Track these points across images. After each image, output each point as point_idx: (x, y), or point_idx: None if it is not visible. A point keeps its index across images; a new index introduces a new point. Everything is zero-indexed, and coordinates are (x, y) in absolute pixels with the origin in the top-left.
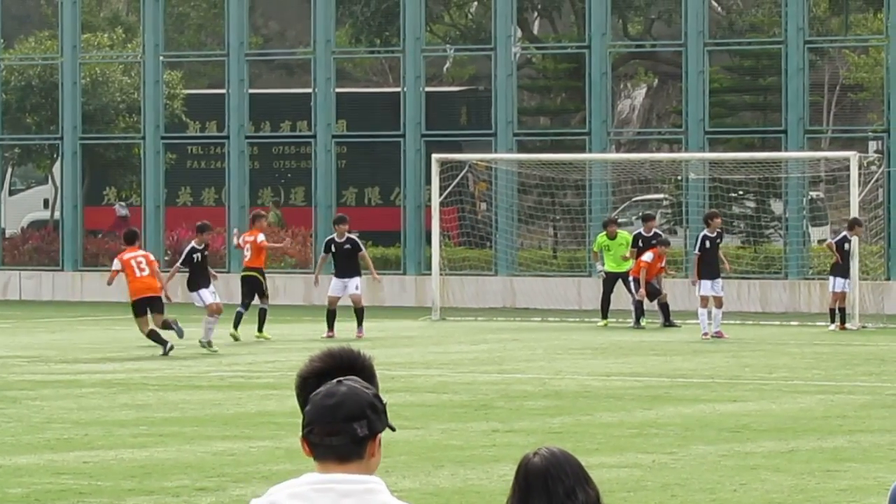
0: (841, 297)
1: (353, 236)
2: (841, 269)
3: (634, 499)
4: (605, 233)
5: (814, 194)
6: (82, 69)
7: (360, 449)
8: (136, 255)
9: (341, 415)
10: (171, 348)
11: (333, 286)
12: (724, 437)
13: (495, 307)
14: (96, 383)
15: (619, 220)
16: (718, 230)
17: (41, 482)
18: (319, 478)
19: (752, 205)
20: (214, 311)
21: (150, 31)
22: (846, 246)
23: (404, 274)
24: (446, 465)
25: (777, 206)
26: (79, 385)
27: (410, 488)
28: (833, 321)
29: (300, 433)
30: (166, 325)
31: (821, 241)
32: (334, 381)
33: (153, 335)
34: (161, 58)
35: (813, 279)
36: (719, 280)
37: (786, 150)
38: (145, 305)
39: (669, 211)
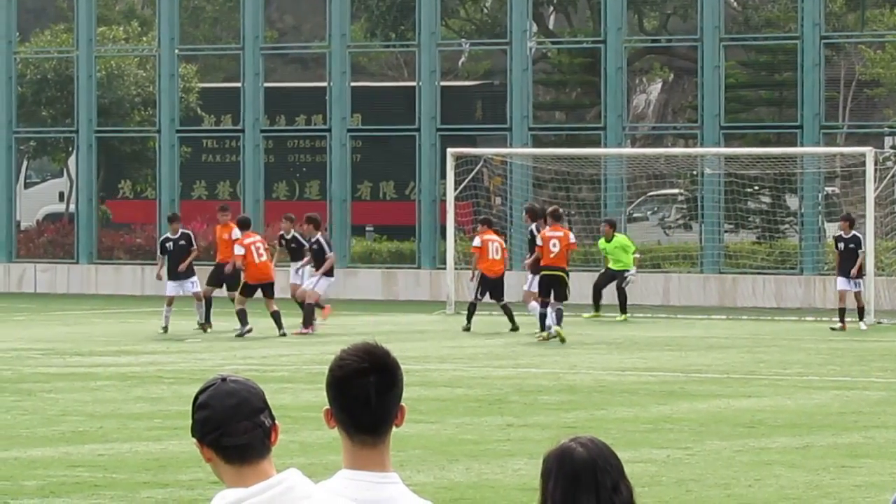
0: (850, 295)
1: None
2: (840, 269)
3: (649, 494)
4: (602, 237)
5: (829, 190)
6: (98, 62)
7: (268, 442)
8: (255, 241)
9: (248, 410)
10: (249, 331)
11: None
12: (738, 433)
13: (510, 301)
14: (111, 376)
15: (635, 215)
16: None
17: (56, 474)
18: (235, 497)
19: (768, 200)
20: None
21: (166, 24)
22: (839, 245)
23: (419, 268)
24: (461, 459)
25: (792, 202)
26: (94, 378)
27: (425, 482)
28: (860, 318)
29: (197, 440)
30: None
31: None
32: (219, 380)
33: (241, 314)
34: (176, 51)
35: (828, 275)
36: None
37: (801, 145)
38: (254, 289)
39: (685, 206)
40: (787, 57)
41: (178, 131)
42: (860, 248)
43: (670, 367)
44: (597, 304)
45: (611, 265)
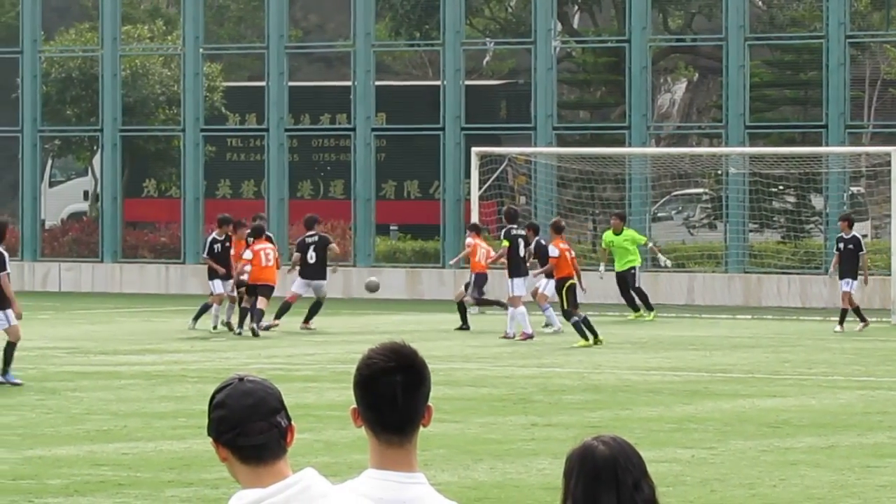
0: (851, 295)
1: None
2: (840, 270)
3: (673, 494)
4: (611, 229)
5: (854, 189)
6: (122, 61)
7: (284, 442)
8: (265, 247)
9: (265, 410)
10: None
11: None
12: (763, 433)
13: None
14: (136, 375)
15: (659, 215)
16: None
17: (80, 473)
18: (252, 498)
19: (793, 200)
20: (217, 301)
21: (190, 23)
22: (840, 245)
23: (443, 267)
24: (485, 458)
25: (817, 201)
26: (118, 377)
27: (449, 482)
28: (840, 321)
29: (213, 439)
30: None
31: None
32: (236, 380)
33: (242, 312)
34: (201, 50)
35: None
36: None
37: (826, 144)
38: (255, 289)
39: (709, 206)
40: (812, 56)
41: (202, 130)
42: (861, 250)
43: (695, 366)
44: (645, 302)
45: (616, 265)
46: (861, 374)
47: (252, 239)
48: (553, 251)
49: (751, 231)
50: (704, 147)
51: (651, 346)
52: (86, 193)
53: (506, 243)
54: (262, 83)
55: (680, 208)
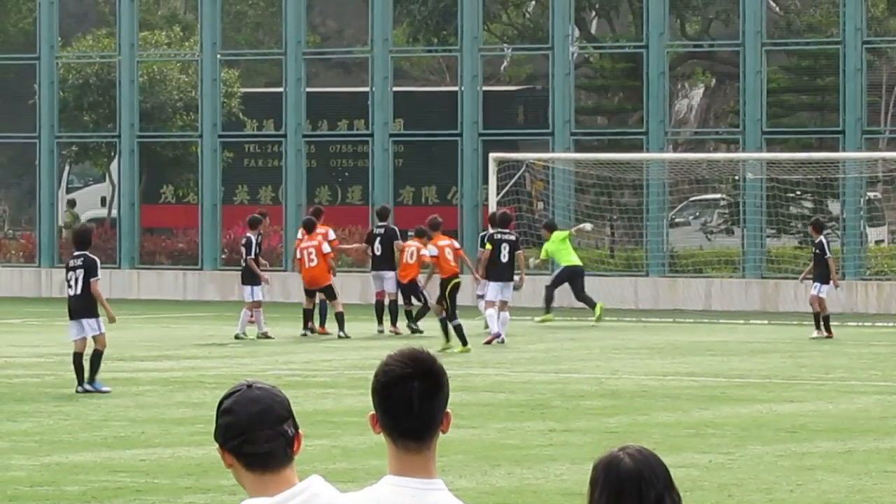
0: (824, 300)
1: None
2: (818, 275)
3: (691, 499)
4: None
5: (871, 195)
6: (140, 67)
7: (290, 450)
8: (310, 245)
9: (272, 418)
10: (303, 334)
11: None
12: (780, 438)
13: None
14: (153, 381)
15: (677, 220)
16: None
17: (98, 480)
18: None
19: (810, 205)
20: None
21: (208, 29)
22: (817, 251)
23: (461, 273)
24: (503, 464)
25: (834, 207)
26: (136, 383)
27: (467, 487)
28: (815, 325)
29: (219, 445)
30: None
31: (878, 242)
32: (244, 386)
33: (338, 316)
34: (218, 56)
35: (870, 280)
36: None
37: (843, 150)
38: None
39: (727, 211)
40: (829, 62)
41: (220, 136)
42: (826, 255)
43: (712, 371)
44: (588, 302)
45: (567, 263)
46: (878, 378)
47: (304, 234)
48: (431, 250)
49: (768, 236)
50: (722, 152)
51: (668, 352)
52: (103, 200)
53: (489, 247)
54: (280, 89)
55: (697, 213)
